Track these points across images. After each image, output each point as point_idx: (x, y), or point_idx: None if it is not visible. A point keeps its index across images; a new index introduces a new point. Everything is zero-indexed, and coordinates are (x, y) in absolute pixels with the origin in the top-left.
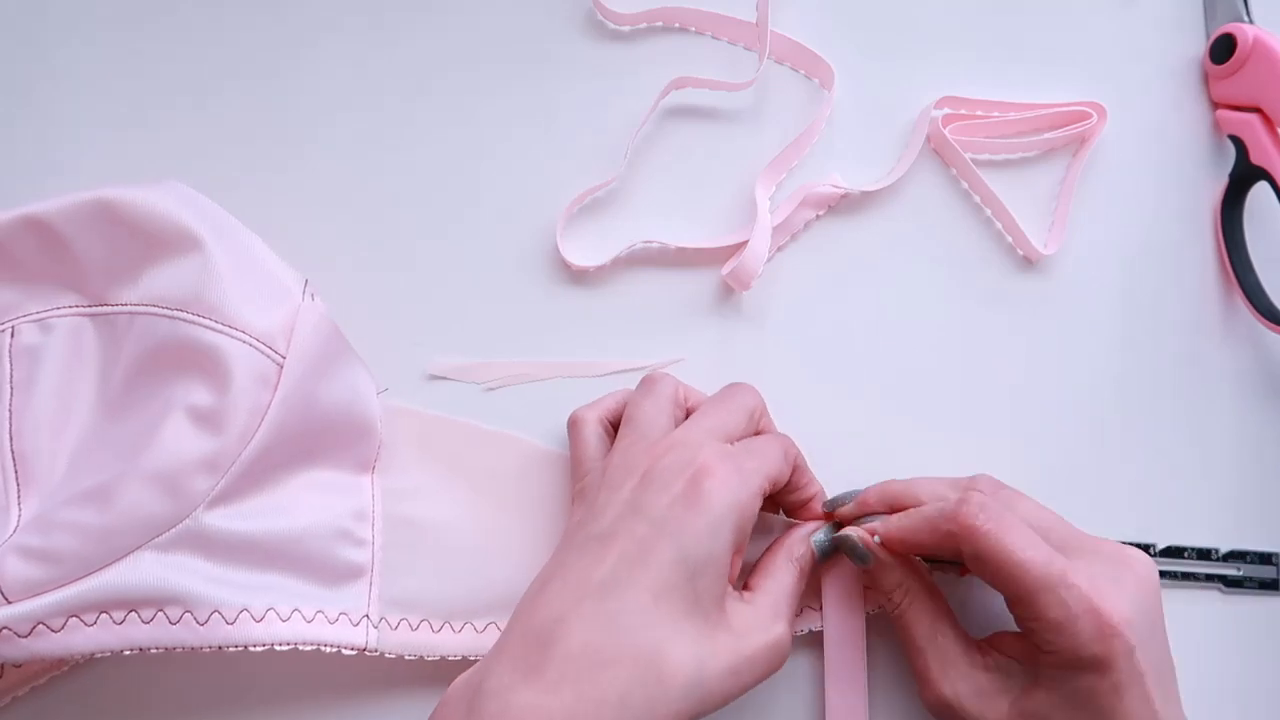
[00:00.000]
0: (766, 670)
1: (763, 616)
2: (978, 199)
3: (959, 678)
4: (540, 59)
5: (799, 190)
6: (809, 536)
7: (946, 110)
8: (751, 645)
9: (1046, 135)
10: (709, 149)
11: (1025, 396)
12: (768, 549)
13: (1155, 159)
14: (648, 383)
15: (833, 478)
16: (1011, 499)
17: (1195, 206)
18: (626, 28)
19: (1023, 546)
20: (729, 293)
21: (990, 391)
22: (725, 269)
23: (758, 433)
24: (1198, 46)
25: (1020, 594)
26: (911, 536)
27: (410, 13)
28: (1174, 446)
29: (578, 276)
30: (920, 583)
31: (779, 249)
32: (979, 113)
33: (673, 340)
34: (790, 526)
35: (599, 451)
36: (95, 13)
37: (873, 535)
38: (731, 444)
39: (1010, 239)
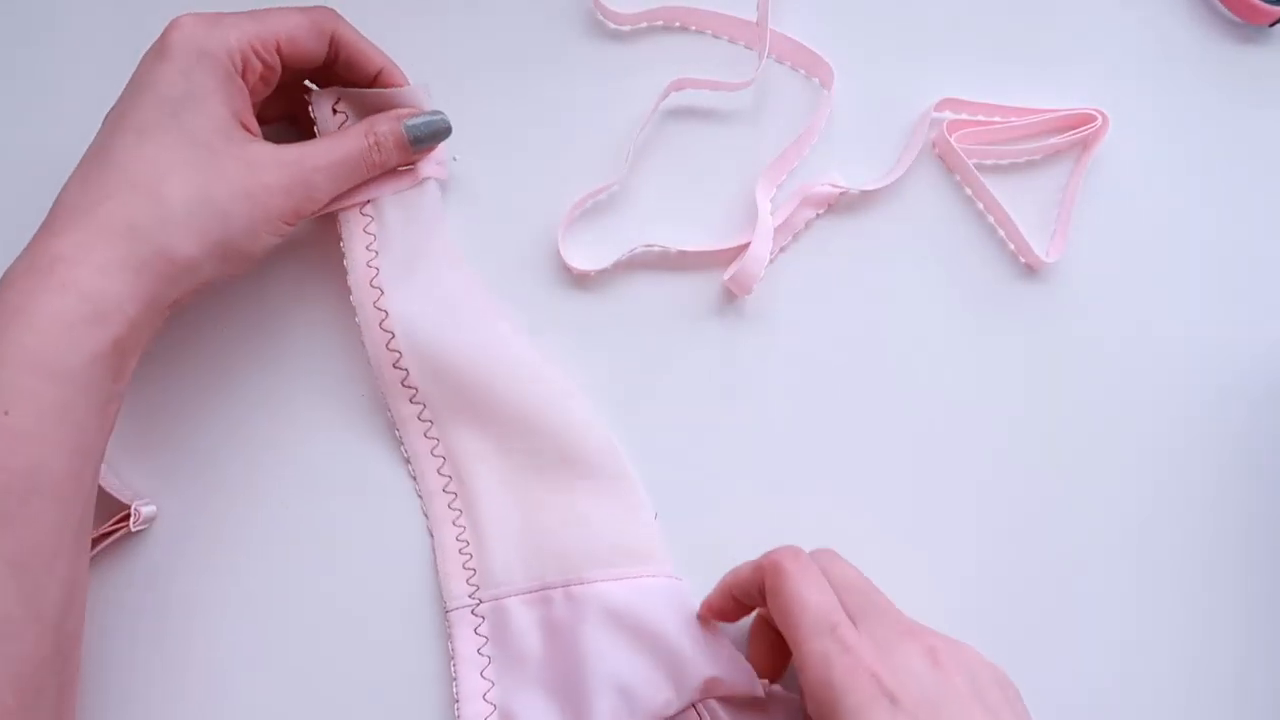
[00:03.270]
0: (287, 198)
1: (285, 154)
2: (980, 205)
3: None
4: (540, 59)
5: (799, 190)
6: (402, 118)
7: (948, 113)
8: (267, 175)
9: (1050, 140)
10: (709, 150)
11: (1025, 404)
12: (346, 129)
13: (1159, 165)
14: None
15: (832, 478)
16: (831, 559)
17: (1199, 213)
18: (627, 27)
19: (810, 590)
20: (730, 296)
21: (990, 399)
22: (727, 274)
23: None
24: (1201, 50)
25: (794, 635)
26: (731, 588)
27: (410, 14)
28: (1174, 453)
29: (579, 280)
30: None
31: (780, 250)
32: (980, 117)
33: (674, 343)
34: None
35: None
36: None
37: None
38: None
39: (1012, 246)
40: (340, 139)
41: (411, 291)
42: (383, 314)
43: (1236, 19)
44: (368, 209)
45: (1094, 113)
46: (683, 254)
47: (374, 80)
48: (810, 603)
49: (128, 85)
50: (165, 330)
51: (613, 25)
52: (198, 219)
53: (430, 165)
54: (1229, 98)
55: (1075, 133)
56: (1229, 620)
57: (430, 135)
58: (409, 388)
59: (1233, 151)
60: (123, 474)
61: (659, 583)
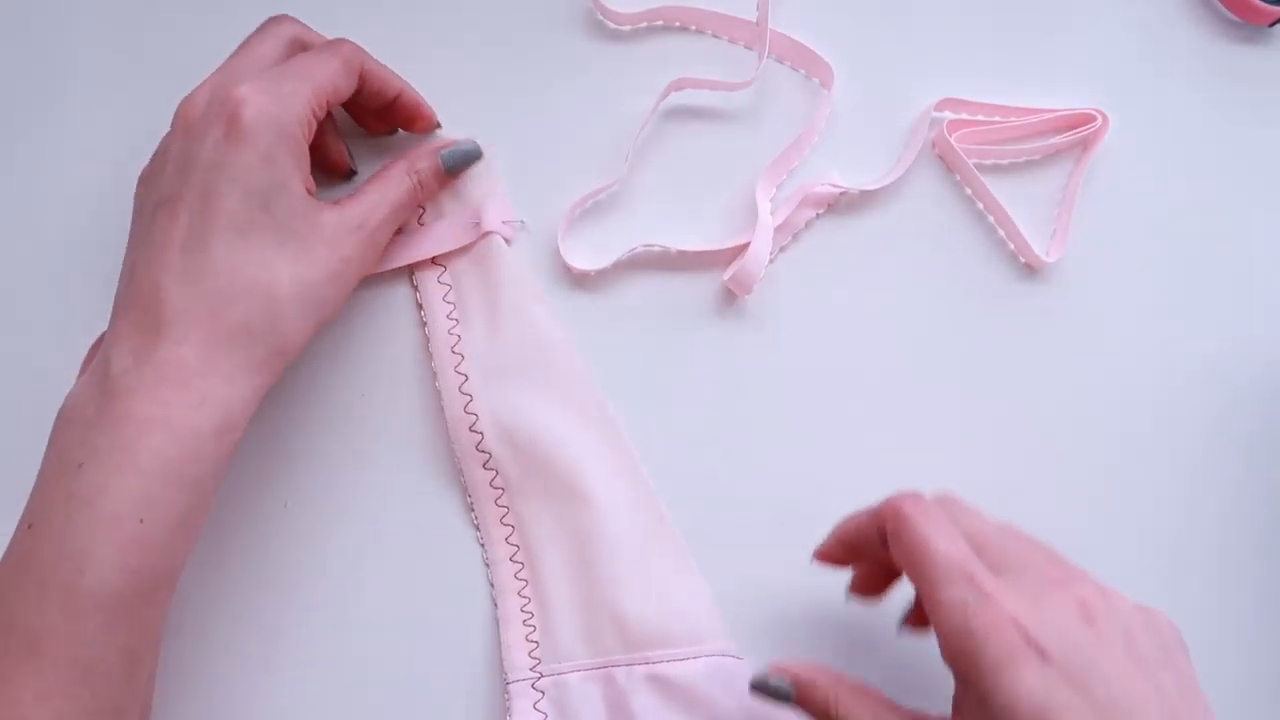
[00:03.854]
0: (363, 265)
1: (349, 219)
2: (980, 205)
3: None
4: (540, 59)
5: (798, 190)
6: (437, 151)
7: (948, 113)
8: (345, 248)
9: (1050, 140)
10: (709, 150)
11: (1025, 404)
12: (384, 166)
13: (1160, 165)
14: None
15: (832, 478)
16: (959, 509)
17: (1199, 212)
18: (627, 27)
19: (939, 537)
20: (730, 296)
21: (990, 398)
22: (727, 274)
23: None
24: (1201, 50)
25: (926, 583)
26: (846, 535)
27: (409, 13)
28: (1174, 452)
29: (579, 280)
30: (844, 686)
31: (780, 250)
32: (980, 117)
33: (674, 343)
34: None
35: None
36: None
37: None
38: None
39: (1012, 246)
40: (386, 186)
41: (491, 361)
42: (462, 378)
43: (1236, 19)
44: (445, 277)
45: (1094, 113)
46: (683, 254)
47: (393, 102)
48: (940, 549)
49: (195, 159)
50: None
51: (613, 25)
52: (303, 311)
53: (496, 223)
54: (1229, 97)
55: (1075, 133)
56: (1229, 620)
57: (463, 162)
58: (483, 453)
59: (1232, 151)
60: None
61: (721, 663)
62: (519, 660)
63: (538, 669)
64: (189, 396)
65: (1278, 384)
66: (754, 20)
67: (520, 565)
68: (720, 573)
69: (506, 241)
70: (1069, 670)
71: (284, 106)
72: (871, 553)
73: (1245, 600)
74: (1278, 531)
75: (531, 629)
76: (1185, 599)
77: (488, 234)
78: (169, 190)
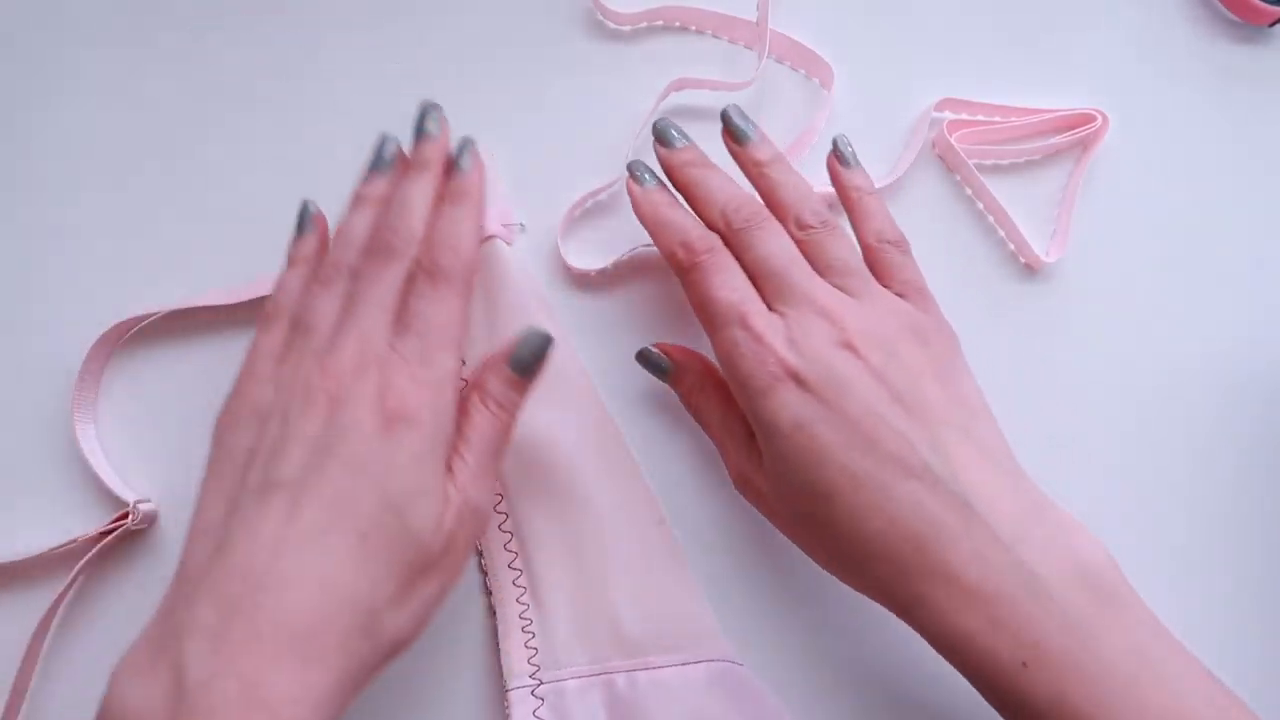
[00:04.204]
0: (470, 548)
1: (463, 507)
2: (980, 205)
3: (747, 456)
4: (540, 59)
5: None
6: (501, 363)
7: (948, 113)
8: (458, 548)
9: (1050, 140)
10: (710, 150)
11: (1024, 404)
12: (462, 396)
13: (1160, 165)
14: (320, 269)
15: None
16: (758, 240)
17: (1199, 212)
18: (627, 27)
19: (720, 285)
20: None
21: (989, 398)
22: None
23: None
24: (1201, 50)
25: (708, 330)
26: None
27: (410, 14)
28: (1174, 452)
29: (579, 280)
30: (710, 380)
31: None
32: (980, 117)
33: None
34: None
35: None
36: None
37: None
38: (398, 329)
39: (1012, 246)
40: (468, 431)
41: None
42: (462, 383)
43: (1236, 19)
44: None
45: (1094, 113)
46: None
47: None
48: (718, 298)
49: (337, 450)
50: (175, 337)
51: (613, 25)
52: (397, 636)
53: (496, 225)
54: (1229, 97)
55: (1075, 133)
56: (1230, 622)
57: (536, 357)
58: None
59: (1232, 151)
60: (123, 473)
61: (721, 668)
62: (518, 667)
63: (537, 675)
64: None
65: (1278, 383)
66: (754, 20)
67: (519, 572)
68: (719, 578)
69: (506, 244)
70: (824, 392)
71: (438, 395)
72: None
73: (1246, 598)
74: (1279, 529)
75: (530, 635)
76: (1186, 598)
77: (489, 238)
78: (292, 474)
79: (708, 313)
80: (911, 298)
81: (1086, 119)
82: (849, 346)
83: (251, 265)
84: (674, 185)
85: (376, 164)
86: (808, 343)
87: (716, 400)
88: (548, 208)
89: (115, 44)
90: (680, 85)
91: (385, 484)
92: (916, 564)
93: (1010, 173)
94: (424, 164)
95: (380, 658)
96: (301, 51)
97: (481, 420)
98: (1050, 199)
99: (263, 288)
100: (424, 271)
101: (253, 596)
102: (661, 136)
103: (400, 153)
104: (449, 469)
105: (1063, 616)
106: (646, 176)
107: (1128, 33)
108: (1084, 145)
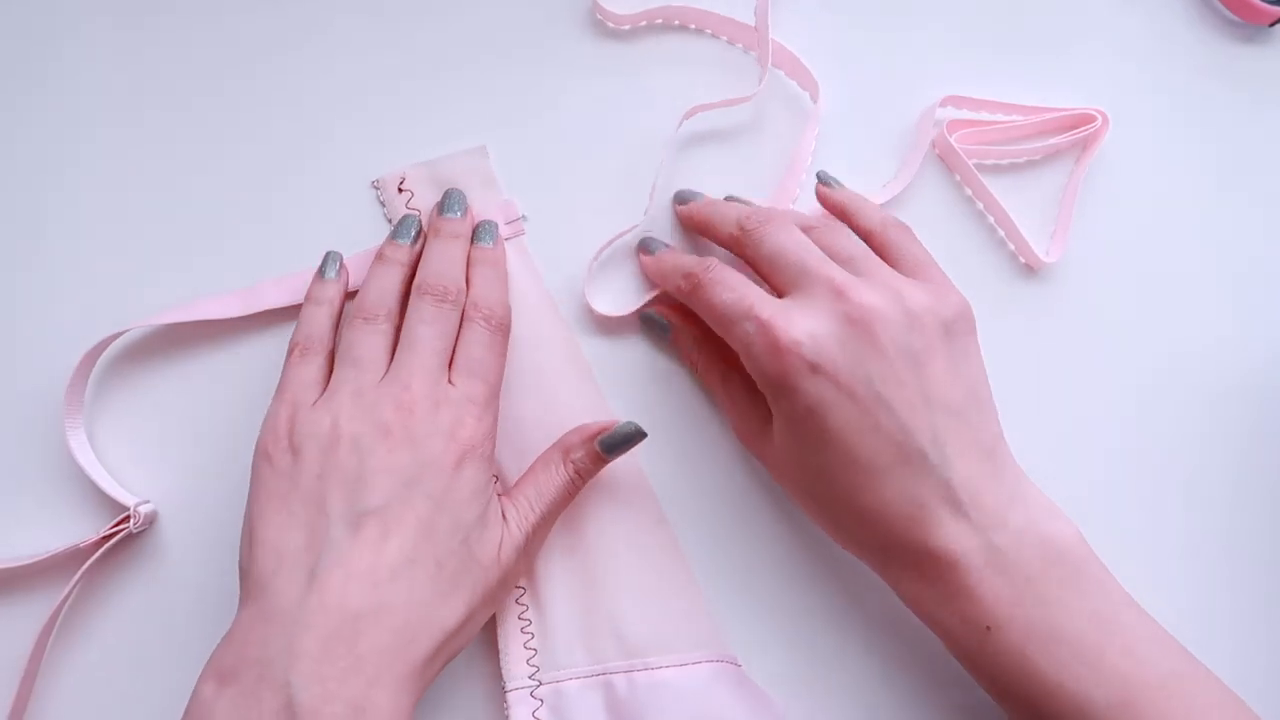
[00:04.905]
0: (517, 577)
1: (515, 537)
2: (980, 205)
3: (750, 414)
4: (539, 59)
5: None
6: (595, 437)
7: (950, 110)
8: (510, 573)
9: (1050, 140)
10: (715, 169)
11: (1024, 403)
12: (545, 453)
13: (1160, 164)
14: (359, 310)
15: None
16: (765, 235)
17: (1199, 212)
18: (627, 27)
19: (723, 293)
20: None
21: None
22: None
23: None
24: (1201, 50)
25: (723, 332)
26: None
27: (409, 14)
28: (1175, 452)
29: (600, 322)
30: (710, 343)
31: None
32: (983, 114)
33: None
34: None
35: (322, 380)
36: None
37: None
38: (458, 369)
39: (1012, 246)
40: (543, 482)
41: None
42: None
43: (1236, 19)
44: None
45: (1094, 113)
46: None
47: None
48: (723, 301)
49: (421, 482)
50: (173, 340)
51: (612, 25)
52: (461, 635)
53: (503, 226)
54: (1229, 98)
55: (1075, 133)
56: (1232, 623)
57: (625, 445)
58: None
59: (1232, 151)
60: (122, 474)
61: (719, 669)
62: (517, 669)
63: (536, 677)
64: None
65: (1276, 381)
66: (751, 24)
67: None
68: (719, 578)
69: (518, 236)
70: (837, 376)
71: (491, 433)
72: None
73: (1245, 591)
74: (1276, 526)
75: (530, 636)
76: (1187, 596)
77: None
78: (380, 502)
79: (718, 320)
80: (922, 275)
81: (1087, 119)
82: (859, 324)
83: (250, 268)
84: (693, 228)
85: (400, 234)
86: (819, 322)
87: (716, 359)
88: (546, 207)
89: (113, 46)
90: (692, 113)
91: (458, 514)
92: (900, 539)
93: (1010, 172)
94: (454, 234)
95: (440, 665)
96: (300, 51)
97: (558, 479)
98: (1050, 199)
99: (259, 294)
100: (483, 319)
101: (353, 625)
102: (680, 198)
103: (422, 229)
104: (504, 503)
105: (1026, 587)
106: (657, 246)
107: (1128, 33)
108: (1084, 145)
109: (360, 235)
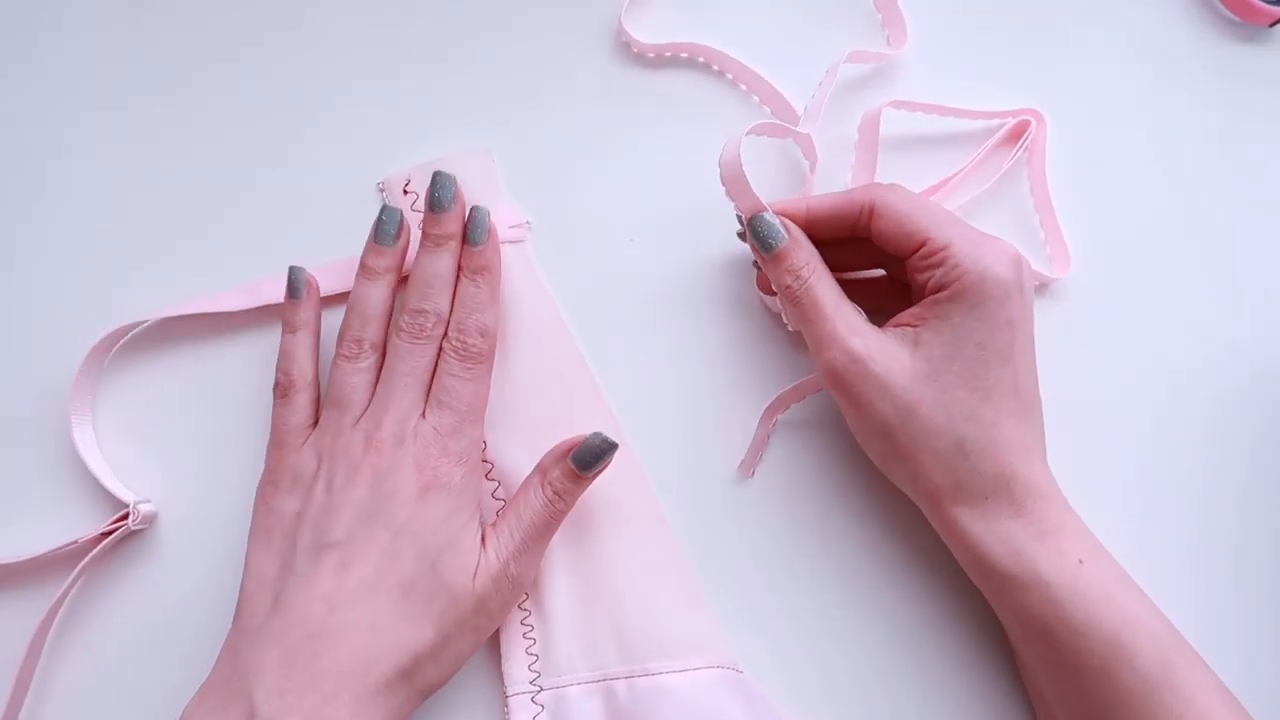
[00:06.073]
0: (505, 608)
1: (492, 565)
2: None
3: (868, 334)
4: (563, 80)
5: None
6: (566, 454)
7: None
8: (494, 605)
9: (1006, 162)
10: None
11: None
12: (527, 478)
13: (1160, 165)
14: (342, 344)
15: (836, 489)
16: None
17: (1199, 212)
18: (651, 55)
19: (922, 200)
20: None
21: None
22: None
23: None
24: (1201, 50)
25: (931, 231)
26: (828, 210)
27: (435, 27)
28: (1176, 452)
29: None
30: (820, 261)
31: None
32: (933, 116)
33: (677, 349)
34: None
35: (307, 420)
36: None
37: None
38: (432, 402)
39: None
40: (522, 507)
41: (499, 372)
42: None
43: (1236, 19)
44: None
45: (1028, 114)
46: None
47: None
48: (929, 202)
49: (382, 515)
50: (169, 334)
51: (636, 50)
52: (441, 663)
53: (506, 230)
54: (1229, 97)
55: (1020, 144)
56: (1237, 620)
57: (597, 458)
58: (486, 462)
59: (1233, 151)
60: (123, 473)
61: (721, 675)
62: (518, 674)
63: (537, 682)
64: None
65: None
66: (765, 74)
67: None
68: (719, 580)
69: (519, 242)
70: (1027, 303)
71: (465, 460)
72: (838, 234)
73: (1261, 598)
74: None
75: (531, 641)
76: (1194, 598)
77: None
78: (342, 536)
79: (920, 220)
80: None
81: (1023, 126)
82: (1026, 271)
83: (249, 267)
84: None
85: (380, 238)
86: (1001, 248)
87: (829, 279)
88: (551, 210)
89: (113, 46)
90: (758, 130)
91: (423, 541)
92: (1009, 471)
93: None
94: (442, 238)
95: (416, 700)
96: (309, 51)
97: (536, 502)
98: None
99: (260, 291)
100: (457, 353)
101: (312, 644)
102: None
103: (403, 224)
104: (487, 530)
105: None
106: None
107: (1128, 33)
108: (1029, 151)
109: (365, 236)
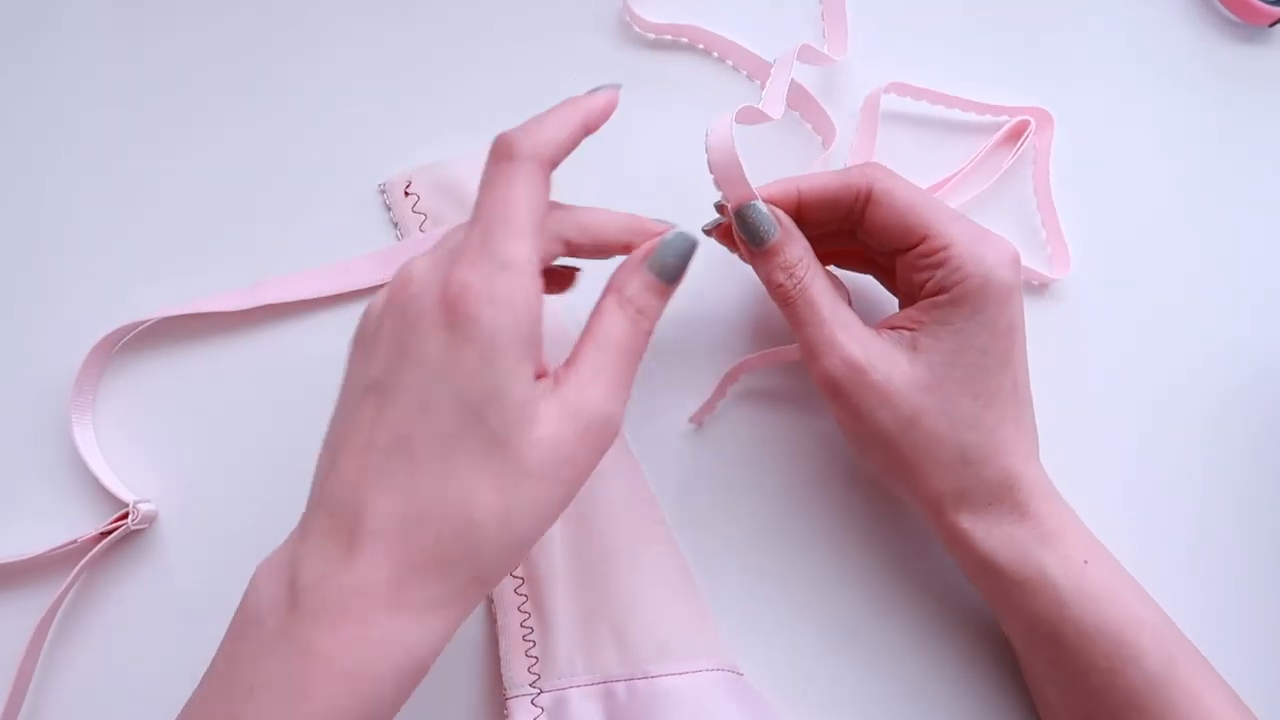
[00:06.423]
0: (586, 468)
1: (569, 407)
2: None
3: (866, 340)
4: (564, 59)
5: None
6: (642, 263)
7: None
8: (563, 460)
9: (1006, 161)
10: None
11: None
12: (593, 309)
13: (1160, 165)
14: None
15: (839, 495)
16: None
17: (1199, 213)
18: (651, 35)
19: (920, 191)
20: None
21: None
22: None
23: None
24: (1201, 50)
25: (926, 227)
26: (820, 193)
27: (432, 14)
28: (1176, 452)
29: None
30: (814, 255)
31: None
32: (924, 103)
33: (678, 346)
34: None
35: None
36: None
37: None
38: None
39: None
40: (601, 336)
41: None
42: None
43: (1236, 19)
44: None
45: (1031, 114)
46: None
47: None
48: (930, 200)
49: (410, 351)
50: (169, 334)
51: (638, 30)
52: (502, 544)
53: None
54: (1229, 97)
55: (1020, 143)
56: (1237, 621)
57: (681, 260)
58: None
59: (1233, 151)
60: (123, 473)
61: (722, 678)
62: (519, 676)
63: (537, 684)
64: (374, 634)
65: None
66: (769, 59)
67: (521, 580)
68: (720, 582)
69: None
70: (1022, 305)
71: (496, 281)
72: (832, 218)
73: (1254, 599)
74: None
75: (531, 644)
76: (1194, 598)
77: None
78: (379, 376)
79: (923, 213)
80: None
81: (1023, 125)
82: (1014, 260)
83: (249, 267)
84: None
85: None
86: (1003, 245)
87: (826, 281)
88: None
89: (113, 46)
90: (747, 116)
91: (459, 386)
92: (1012, 474)
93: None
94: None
95: (486, 578)
96: (310, 51)
97: (615, 324)
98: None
99: (260, 291)
100: (490, 154)
101: (353, 500)
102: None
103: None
104: (559, 371)
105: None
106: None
107: (1127, 33)
108: (1034, 151)
109: (367, 237)
